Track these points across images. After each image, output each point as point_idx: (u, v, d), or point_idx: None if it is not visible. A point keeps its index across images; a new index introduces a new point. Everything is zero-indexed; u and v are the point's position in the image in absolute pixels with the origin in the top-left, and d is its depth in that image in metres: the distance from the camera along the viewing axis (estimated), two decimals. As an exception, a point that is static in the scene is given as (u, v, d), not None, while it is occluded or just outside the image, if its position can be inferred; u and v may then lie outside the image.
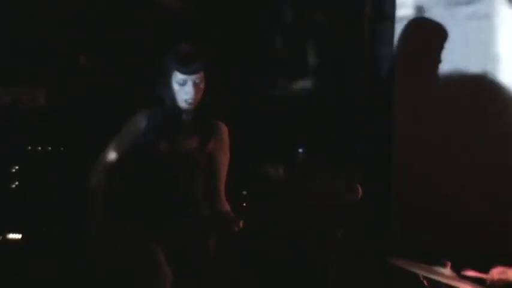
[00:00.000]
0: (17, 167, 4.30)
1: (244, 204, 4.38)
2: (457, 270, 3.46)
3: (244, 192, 4.42)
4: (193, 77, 3.34)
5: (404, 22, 4.70)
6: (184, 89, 3.35)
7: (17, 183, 4.26)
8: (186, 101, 3.36)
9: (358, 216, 4.47)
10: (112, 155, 3.44)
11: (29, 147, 4.39)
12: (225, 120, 3.57)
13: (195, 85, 3.35)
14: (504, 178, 4.49)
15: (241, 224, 3.20)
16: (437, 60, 4.64)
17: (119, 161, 3.43)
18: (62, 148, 4.45)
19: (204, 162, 3.42)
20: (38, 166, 4.37)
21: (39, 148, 4.41)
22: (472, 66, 4.59)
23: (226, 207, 3.40)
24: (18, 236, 4.18)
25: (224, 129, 3.52)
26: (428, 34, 4.69)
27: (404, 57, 4.74)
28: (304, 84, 4.89)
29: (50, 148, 4.41)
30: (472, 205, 4.49)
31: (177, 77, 3.35)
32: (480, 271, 3.53)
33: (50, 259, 4.08)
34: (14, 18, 4.64)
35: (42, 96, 4.68)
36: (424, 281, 3.46)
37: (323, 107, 4.80)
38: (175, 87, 3.36)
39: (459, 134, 4.60)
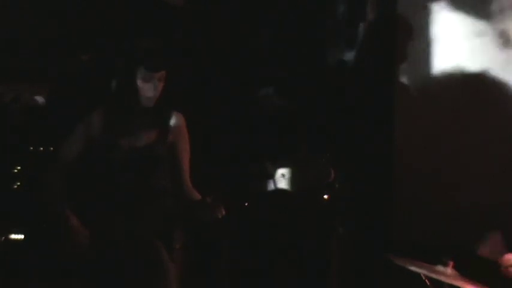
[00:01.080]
0: (18, 167, 4.28)
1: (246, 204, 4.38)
2: (459, 269, 3.46)
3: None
4: (158, 74, 3.35)
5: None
6: (148, 86, 3.35)
7: (18, 183, 4.25)
8: (148, 97, 3.36)
9: (359, 213, 4.48)
10: (68, 155, 3.43)
11: (30, 147, 4.37)
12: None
13: (159, 82, 3.36)
14: (507, 176, 4.48)
15: (221, 210, 3.19)
16: (439, 59, 4.64)
17: (75, 160, 3.41)
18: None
19: (166, 154, 3.42)
20: (38, 166, 4.35)
21: (40, 148, 4.40)
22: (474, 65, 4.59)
23: (197, 195, 3.40)
24: (20, 236, 4.17)
25: (182, 119, 3.52)
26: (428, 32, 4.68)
27: (405, 56, 4.73)
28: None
29: (51, 148, 4.40)
30: (475, 202, 4.49)
31: (142, 74, 3.34)
32: (483, 270, 3.54)
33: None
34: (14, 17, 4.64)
35: (43, 95, 4.67)
36: (426, 280, 3.46)
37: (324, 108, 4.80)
38: (139, 83, 3.35)
39: (461, 132, 4.59)
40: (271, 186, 3.08)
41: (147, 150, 3.38)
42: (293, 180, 3.03)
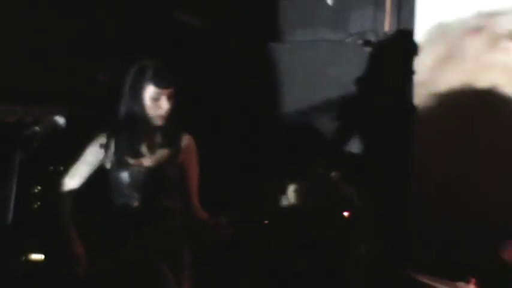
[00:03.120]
0: (38, 187, 4.31)
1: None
2: (481, 286, 3.43)
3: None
4: (167, 91, 3.35)
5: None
6: (157, 104, 3.36)
7: (38, 203, 4.28)
8: (159, 115, 3.37)
9: (380, 230, 4.46)
10: (76, 180, 3.45)
11: (51, 168, 4.40)
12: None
13: (168, 99, 3.36)
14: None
15: (226, 231, 3.19)
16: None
17: (85, 180, 3.43)
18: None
19: (176, 175, 3.43)
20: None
21: (61, 168, 4.42)
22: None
23: (205, 215, 3.40)
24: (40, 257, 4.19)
25: (192, 142, 3.53)
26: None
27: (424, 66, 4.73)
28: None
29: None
30: (496, 218, 4.45)
31: (151, 92, 3.35)
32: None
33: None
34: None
35: (63, 116, 4.70)
36: (448, 298, 3.44)
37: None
38: (148, 102, 3.36)
39: (480, 144, 4.56)
40: (283, 203, 3.09)
41: (157, 170, 3.39)
42: (303, 195, 3.03)
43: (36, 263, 4.14)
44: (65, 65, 4.76)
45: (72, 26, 4.80)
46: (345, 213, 4.15)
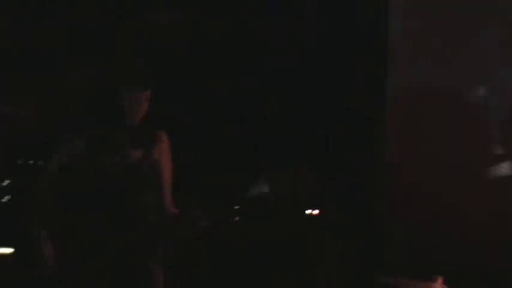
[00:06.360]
0: (8, 180, 4.29)
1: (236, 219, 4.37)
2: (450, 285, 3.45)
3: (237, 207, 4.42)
4: (144, 94, 3.36)
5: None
6: (133, 106, 3.36)
7: (8, 197, 4.26)
8: (133, 117, 3.37)
9: (348, 233, 4.46)
10: (52, 174, 3.44)
11: (24, 160, 4.39)
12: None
13: (145, 102, 3.37)
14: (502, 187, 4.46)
15: (202, 222, 3.18)
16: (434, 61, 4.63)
17: (59, 179, 3.42)
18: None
19: (151, 172, 3.44)
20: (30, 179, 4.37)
21: (33, 161, 4.41)
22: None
23: (177, 211, 3.42)
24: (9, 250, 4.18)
25: (165, 138, 3.53)
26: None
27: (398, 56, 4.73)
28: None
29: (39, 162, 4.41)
30: (467, 218, 4.47)
31: (127, 94, 3.36)
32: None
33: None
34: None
35: (32, 110, 4.71)
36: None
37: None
38: (124, 103, 3.36)
39: (454, 145, 4.57)
40: (255, 193, 3.09)
41: (132, 168, 3.40)
42: (275, 187, 3.02)
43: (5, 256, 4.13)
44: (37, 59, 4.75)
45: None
46: (314, 212, 4.15)
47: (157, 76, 3.44)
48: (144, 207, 3.40)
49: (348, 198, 4.50)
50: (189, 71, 4.89)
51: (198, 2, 5.03)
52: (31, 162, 4.40)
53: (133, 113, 3.36)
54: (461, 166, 4.53)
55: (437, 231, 4.48)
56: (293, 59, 4.87)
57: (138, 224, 3.37)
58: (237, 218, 3.96)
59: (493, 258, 4.33)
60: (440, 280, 3.40)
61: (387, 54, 4.70)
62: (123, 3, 4.94)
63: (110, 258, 3.34)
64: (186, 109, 4.77)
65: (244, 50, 4.96)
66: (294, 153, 4.28)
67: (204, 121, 4.73)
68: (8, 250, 4.15)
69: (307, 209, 4.05)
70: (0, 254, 4.14)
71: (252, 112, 4.80)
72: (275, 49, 4.91)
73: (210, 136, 4.73)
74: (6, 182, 4.29)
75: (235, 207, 3.87)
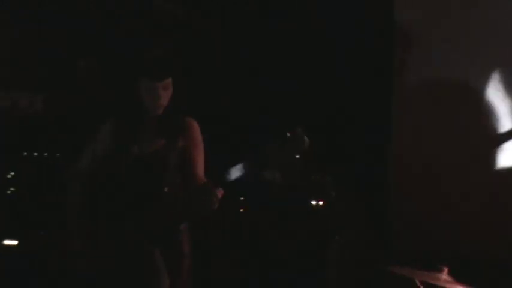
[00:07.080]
0: (13, 173, 4.29)
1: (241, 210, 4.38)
2: (455, 275, 3.45)
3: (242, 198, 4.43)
4: (162, 83, 3.35)
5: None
6: (152, 95, 3.35)
7: (12, 188, 4.26)
8: (155, 106, 3.37)
9: (357, 222, 4.47)
10: (87, 165, 3.44)
11: (26, 153, 4.39)
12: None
13: (164, 90, 3.36)
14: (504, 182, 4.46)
15: (219, 194, 3.16)
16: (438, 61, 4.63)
17: (95, 169, 3.43)
18: (59, 154, 4.45)
19: (176, 160, 3.43)
20: (35, 171, 4.37)
21: (36, 154, 4.41)
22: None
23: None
24: (15, 242, 4.18)
25: (193, 125, 3.52)
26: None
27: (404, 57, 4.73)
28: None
29: (46, 154, 4.41)
30: (472, 210, 4.47)
31: (146, 83, 3.35)
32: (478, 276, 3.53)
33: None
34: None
35: (40, 101, 4.71)
36: (421, 287, 3.45)
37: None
38: (144, 93, 3.36)
39: (460, 140, 4.58)
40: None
41: (155, 156, 3.39)
42: (272, 156, 2.98)
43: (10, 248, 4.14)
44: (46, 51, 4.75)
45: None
46: (320, 202, 4.15)
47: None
48: (168, 196, 3.39)
49: (357, 189, 4.50)
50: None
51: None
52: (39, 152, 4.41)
53: (154, 103, 3.36)
54: (469, 157, 4.54)
55: (444, 222, 4.50)
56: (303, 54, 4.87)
57: (161, 214, 3.35)
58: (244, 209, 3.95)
59: (498, 249, 4.35)
60: (445, 270, 3.40)
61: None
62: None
63: (130, 248, 3.35)
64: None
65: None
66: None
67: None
68: (13, 242, 4.17)
69: (314, 200, 4.06)
70: (7, 245, 4.16)
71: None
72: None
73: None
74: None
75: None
